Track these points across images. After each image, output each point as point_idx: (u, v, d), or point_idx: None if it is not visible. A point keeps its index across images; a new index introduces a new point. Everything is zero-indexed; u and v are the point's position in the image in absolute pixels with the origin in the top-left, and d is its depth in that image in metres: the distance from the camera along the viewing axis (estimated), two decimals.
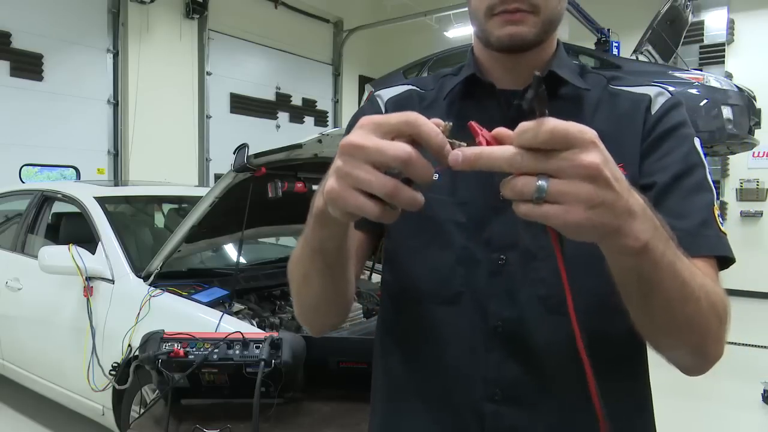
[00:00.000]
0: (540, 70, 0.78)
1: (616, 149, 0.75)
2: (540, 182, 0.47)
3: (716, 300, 0.63)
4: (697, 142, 0.76)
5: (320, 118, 9.94)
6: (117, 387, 2.54)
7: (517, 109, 0.76)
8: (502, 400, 0.74)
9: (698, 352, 0.65)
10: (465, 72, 0.83)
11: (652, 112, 0.77)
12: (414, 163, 0.49)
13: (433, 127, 0.50)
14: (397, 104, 0.86)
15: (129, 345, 2.47)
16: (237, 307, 2.61)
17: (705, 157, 0.76)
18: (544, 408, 0.74)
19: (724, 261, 0.71)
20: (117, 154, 7.15)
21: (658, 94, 0.79)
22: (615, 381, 0.74)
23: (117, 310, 2.68)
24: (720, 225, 0.71)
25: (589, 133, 0.48)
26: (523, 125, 0.48)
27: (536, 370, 0.74)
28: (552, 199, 0.47)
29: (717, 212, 0.72)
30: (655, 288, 0.56)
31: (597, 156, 0.47)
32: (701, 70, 6.42)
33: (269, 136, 8.65)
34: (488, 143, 0.50)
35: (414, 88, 0.88)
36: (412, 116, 0.50)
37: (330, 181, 0.53)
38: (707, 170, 0.75)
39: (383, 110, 0.87)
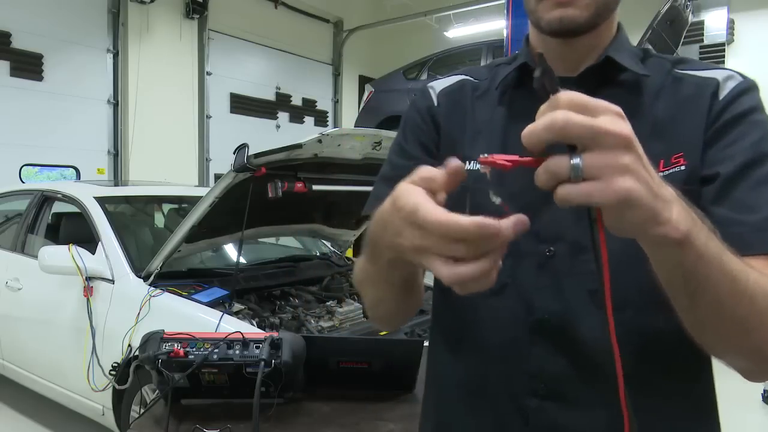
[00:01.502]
0: (597, 55, 0.76)
1: (677, 137, 0.71)
2: (574, 160, 0.46)
3: None
4: None
5: (320, 118, 9.93)
6: (117, 387, 2.54)
7: None
8: (546, 395, 0.73)
9: (759, 357, 0.59)
10: (518, 60, 0.81)
11: (720, 98, 0.71)
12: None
13: (490, 231, 0.47)
14: (449, 95, 0.86)
15: (129, 345, 2.48)
16: (237, 307, 2.61)
17: None
18: (588, 404, 0.72)
19: None
20: (117, 154, 7.14)
21: (727, 78, 0.72)
22: (670, 381, 0.71)
23: (117, 310, 2.68)
24: None
25: (615, 107, 0.47)
26: (541, 109, 0.47)
27: (582, 365, 0.72)
28: (589, 175, 0.45)
29: None
30: (702, 284, 0.53)
31: (627, 126, 0.46)
32: None
33: (269, 136, 8.63)
34: (513, 162, 0.50)
35: (467, 77, 0.87)
36: (481, 226, 0.47)
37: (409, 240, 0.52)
38: None
39: (435, 102, 0.86)
